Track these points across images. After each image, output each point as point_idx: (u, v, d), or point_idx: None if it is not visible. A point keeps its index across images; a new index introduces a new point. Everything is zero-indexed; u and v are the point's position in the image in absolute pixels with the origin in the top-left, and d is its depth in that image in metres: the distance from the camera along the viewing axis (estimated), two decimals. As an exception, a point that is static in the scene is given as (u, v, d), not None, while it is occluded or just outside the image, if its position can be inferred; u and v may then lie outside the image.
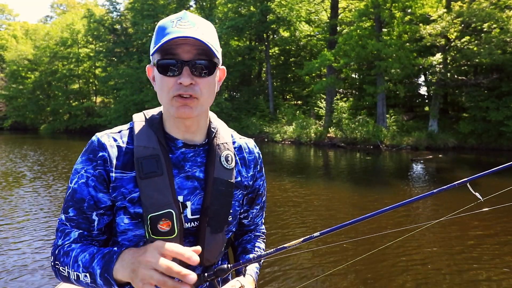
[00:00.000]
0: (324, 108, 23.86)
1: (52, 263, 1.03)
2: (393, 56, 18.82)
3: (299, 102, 31.02)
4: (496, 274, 4.30)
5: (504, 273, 4.32)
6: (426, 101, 24.92)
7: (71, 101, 38.56)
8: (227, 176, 1.09)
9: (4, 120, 41.11)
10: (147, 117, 1.10)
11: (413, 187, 9.65)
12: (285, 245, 1.03)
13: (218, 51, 1.01)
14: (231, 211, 1.11)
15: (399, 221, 6.31)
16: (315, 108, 24.91)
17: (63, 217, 1.03)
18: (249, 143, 1.22)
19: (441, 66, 18.93)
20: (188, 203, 1.05)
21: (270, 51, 29.61)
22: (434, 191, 1.17)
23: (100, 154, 1.02)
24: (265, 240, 1.33)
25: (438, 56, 18.59)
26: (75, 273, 0.96)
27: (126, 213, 1.01)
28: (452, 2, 18.77)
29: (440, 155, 16.09)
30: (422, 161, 14.34)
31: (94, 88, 40.02)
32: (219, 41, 1.06)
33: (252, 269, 1.18)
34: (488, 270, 4.41)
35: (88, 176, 1.01)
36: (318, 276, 4.24)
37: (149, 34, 32.07)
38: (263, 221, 1.36)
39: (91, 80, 39.86)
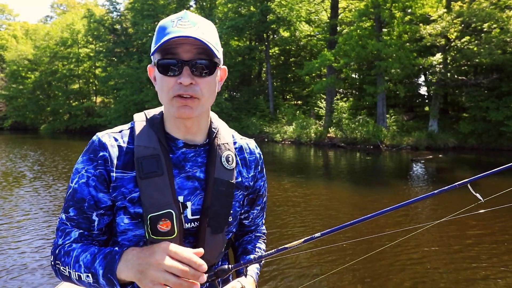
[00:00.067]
0: (324, 108, 23.86)
1: (52, 262, 1.03)
2: (393, 56, 18.82)
3: (299, 102, 31.01)
4: (493, 273, 4.32)
5: (501, 272, 4.35)
6: (426, 101, 24.92)
7: (71, 101, 38.54)
8: (228, 176, 1.09)
9: (4, 120, 41.09)
10: (148, 117, 1.09)
11: (413, 187, 9.65)
12: (285, 246, 1.03)
13: (218, 50, 1.00)
14: (231, 211, 1.11)
15: (398, 221, 6.31)
16: (315, 108, 24.91)
17: (63, 216, 1.03)
18: (250, 143, 1.22)
19: (441, 66, 18.93)
20: (189, 204, 1.05)
21: (270, 51, 29.60)
22: (435, 192, 1.17)
23: (101, 154, 1.02)
24: (265, 241, 1.33)
25: (438, 56, 18.59)
26: (76, 273, 0.96)
27: (126, 213, 1.01)
28: (452, 2, 18.77)
29: (440, 155, 16.09)
30: (422, 161, 14.34)
31: (94, 88, 40.01)
32: (219, 41, 1.06)
33: (253, 269, 1.18)
34: (486, 269, 4.44)
35: (89, 176, 1.01)
36: (318, 276, 4.24)
37: (149, 34, 32.06)
38: (263, 222, 1.36)
39: (91, 80, 39.85)
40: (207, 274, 0.94)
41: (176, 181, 1.04)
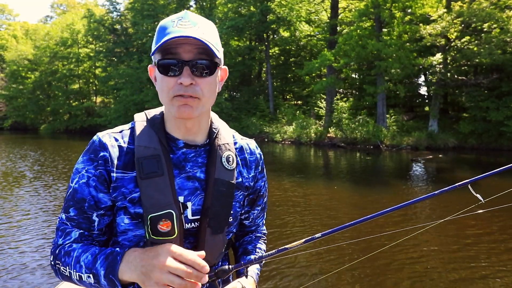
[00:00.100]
0: (324, 108, 23.85)
1: (52, 262, 1.03)
2: (393, 56, 18.82)
3: (299, 102, 31.01)
4: (492, 273, 4.33)
5: (500, 271, 4.36)
6: (426, 101, 24.92)
7: (71, 101, 38.53)
8: (228, 177, 1.09)
9: (4, 120, 41.08)
10: (149, 117, 1.09)
11: (413, 187, 9.65)
12: (286, 246, 1.03)
13: (219, 50, 1.00)
14: (231, 212, 1.11)
15: (398, 220, 6.31)
16: (315, 108, 24.91)
17: (63, 216, 1.03)
18: (250, 144, 1.22)
19: (441, 66, 18.93)
20: (189, 204, 1.05)
21: (270, 51, 29.60)
22: (436, 192, 1.16)
23: (101, 154, 1.01)
24: (266, 241, 1.33)
25: (438, 56, 18.59)
26: (77, 273, 0.96)
27: (126, 213, 1.01)
28: (452, 2, 18.76)
29: (440, 155, 16.08)
30: (422, 161, 14.33)
31: (94, 88, 40.00)
32: (220, 41, 1.06)
33: (253, 270, 1.18)
34: (485, 269, 4.45)
35: (89, 176, 1.01)
36: (318, 276, 4.24)
37: (149, 34, 32.05)
38: (264, 222, 1.36)
39: (91, 80, 39.84)
40: (208, 275, 0.94)
41: (176, 181, 1.04)
